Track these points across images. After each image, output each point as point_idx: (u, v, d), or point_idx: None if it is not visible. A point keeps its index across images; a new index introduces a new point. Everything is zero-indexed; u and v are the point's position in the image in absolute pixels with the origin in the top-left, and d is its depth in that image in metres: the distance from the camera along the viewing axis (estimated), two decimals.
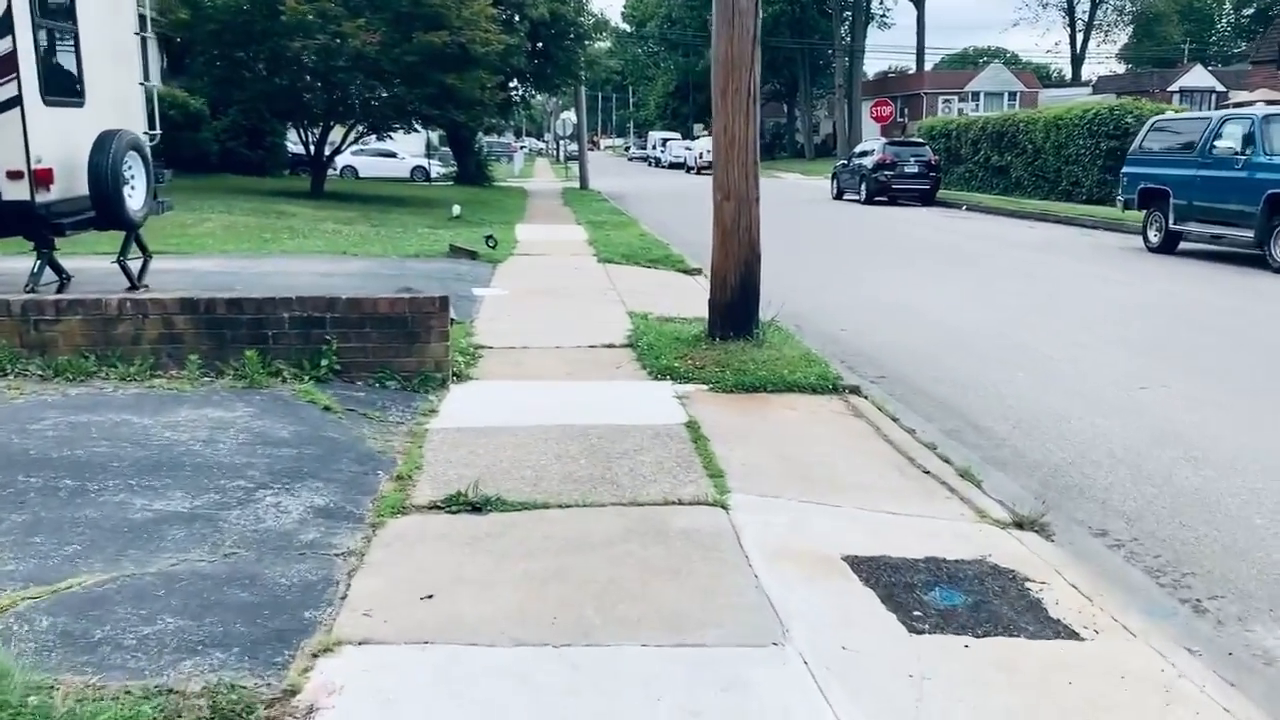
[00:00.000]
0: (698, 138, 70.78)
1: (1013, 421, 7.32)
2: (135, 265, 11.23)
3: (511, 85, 32.90)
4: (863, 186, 32.63)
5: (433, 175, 43.88)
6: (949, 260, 17.74)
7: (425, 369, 7.28)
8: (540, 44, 32.98)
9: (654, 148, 75.88)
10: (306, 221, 19.90)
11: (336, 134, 27.11)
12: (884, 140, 34.38)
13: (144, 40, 10.81)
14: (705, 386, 7.47)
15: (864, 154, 33.91)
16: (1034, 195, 31.46)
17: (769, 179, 51.95)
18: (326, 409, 6.28)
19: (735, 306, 8.26)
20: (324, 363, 7.13)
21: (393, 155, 45.86)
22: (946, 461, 6.12)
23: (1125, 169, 19.04)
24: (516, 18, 30.73)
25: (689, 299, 12.28)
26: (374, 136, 28.04)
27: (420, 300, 7.27)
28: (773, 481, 5.34)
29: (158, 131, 11.07)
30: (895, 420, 7.00)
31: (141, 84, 10.50)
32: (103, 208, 9.44)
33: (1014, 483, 5.97)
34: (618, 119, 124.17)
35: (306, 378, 7.03)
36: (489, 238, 16.31)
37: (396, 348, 7.26)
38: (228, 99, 24.91)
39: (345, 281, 12.14)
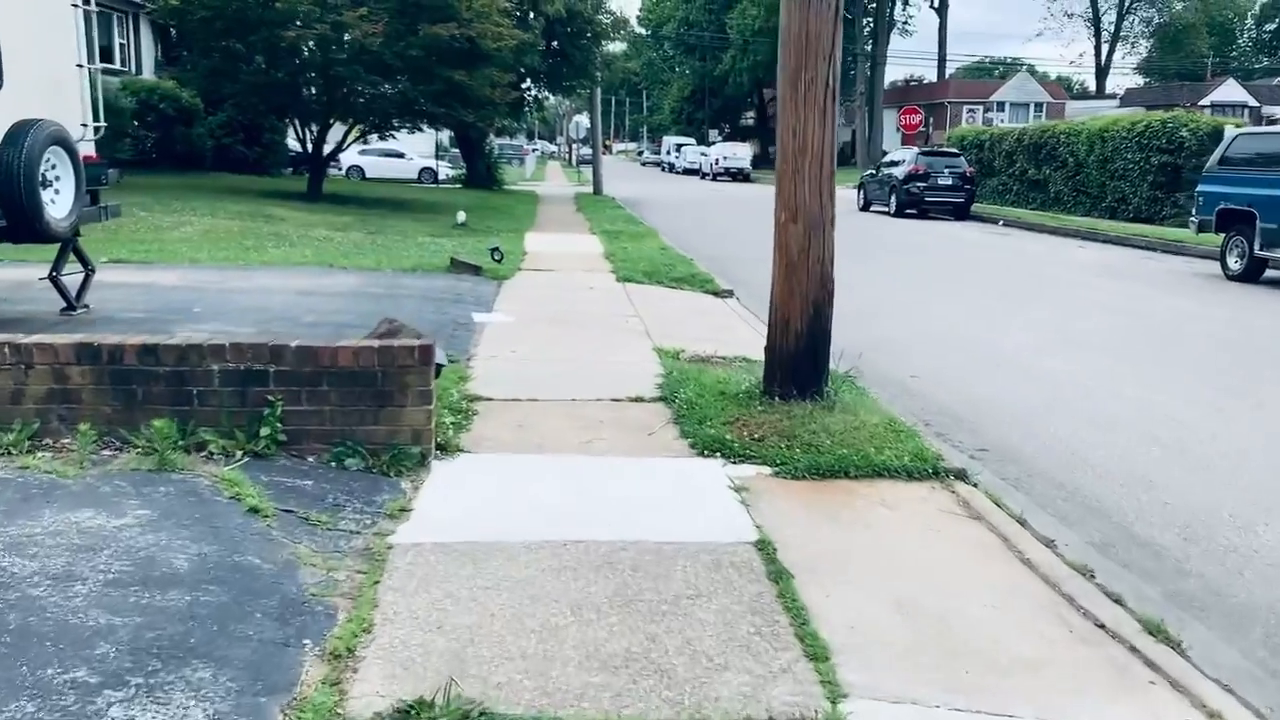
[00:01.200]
0: (713, 143, 69.08)
1: (1178, 528, 5.53)
2: (76, 280, 9.50)
3: (524, 85, 31.17)
4: (892, 198, 30.82)
5: (441, 177, 42.21)
6: (1007, 284, 15.94)
7: (399, 440, 5.51)
8: (555, 42, 31.29)
9: (668, 153, 74.11)
10: (297, 227, 18.18)
11: (338, 132, 25.42)
12: (916, 150, 32.58)
13: (87, 14, 9.07)
14: (769, 469, 5.69)
15: (894, 164, 32.12)
16: (1074, 211, 29.63)
17: None
18: (254, 510, 4.50)
19: (801, 358, 6.49)
20: (265, 431, 5.37)
21: (400, 156, 44.26)
22: (1118, 603, 4.34)
23: (1201, 187, 17.19)
24: (531, 14, 29.06)
25: (727, 332, 10.51)
26: (376, 136, 26.27)
27: (394, 350, 5.49)
28: (902, 663, 3.56)
29: (102, 124, 9.32)
30: (1023, 524, 5.22)
31: (80, 66, 8.75)
32: (14, 215, 7.69)
33: (1228, 645, 4.17)
34: (631, 123, 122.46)
35: (241, 452, 5.28)
36: (494, 250, 14.57)
37: (362, 411, 5.49)
38: (219, 92, 23.19)
39: (325, 303, 10.39)
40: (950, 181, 30.21)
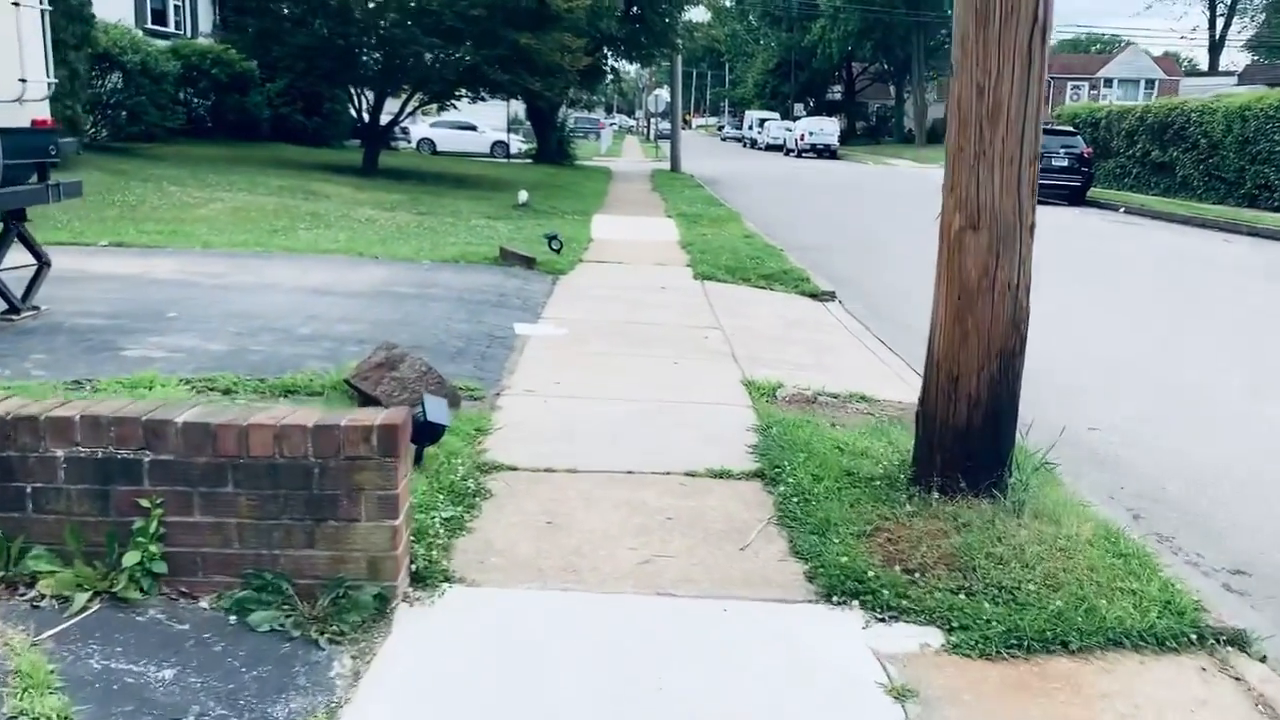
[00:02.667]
0: (798, 118, 66.19)
1: None
2: (20, 277, 7.64)
3: (599, 52, 28.98)
4: None
5: (514, 151, 40.32)
6: (1159, 286, 13.42)
7: (348, 574, 3.46)
8: (634, 6, 29.01)
9: (750, 128, 71.42)
10: (340, 206, 16.32)
11: (400, 102, 23.58)
12: None
13: None
14: (940, 637, 3.52)
15: None
16: (1206, 198, 26.58)
17: (879, 166, 47.42)
18: None
19: (977, 435, 4.29)
20: (131, 559, 3.36)
21: (473, 129, 42.61)
22: None
23: None
24: None
25: (835, 354, 8.31)
26: (436, 107, 24.37)
27: (339, 433, 3.41)
28: None
29: (51, 80, 7.39)
30: None
31: (17, 4, 6.83)
32: None
33: None
34: (712, 97, 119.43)
35: (91, 593, 3.28)
36: (552, 238, 12.50)
37: (289, 528, 3.45)
38: (268, 56, 21.45)
39: (336, 307, 8.43)
40: (1065, 163, 27.34)
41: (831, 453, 5.07)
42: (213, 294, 8.71)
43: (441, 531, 4.06)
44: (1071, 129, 29.58)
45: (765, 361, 7.74)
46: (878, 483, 4.60)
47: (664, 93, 62.28)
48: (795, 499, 4.52)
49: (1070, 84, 59.20)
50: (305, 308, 8.31)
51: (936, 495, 4.35)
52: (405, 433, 3.47)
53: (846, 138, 61.20)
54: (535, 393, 6.40)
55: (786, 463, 4.96)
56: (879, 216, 21.66)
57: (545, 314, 9.02)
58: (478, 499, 4.49)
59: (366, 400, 5.62)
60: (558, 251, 12.42)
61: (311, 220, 14.43)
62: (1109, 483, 5.68)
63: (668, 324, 8.88)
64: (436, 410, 4.57)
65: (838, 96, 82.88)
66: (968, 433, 4.31)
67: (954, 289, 4.25)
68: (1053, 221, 22.20)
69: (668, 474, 4.99)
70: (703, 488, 4.82)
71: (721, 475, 4.98)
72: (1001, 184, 4.08)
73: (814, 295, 11.25)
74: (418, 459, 4.63)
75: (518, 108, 40.88)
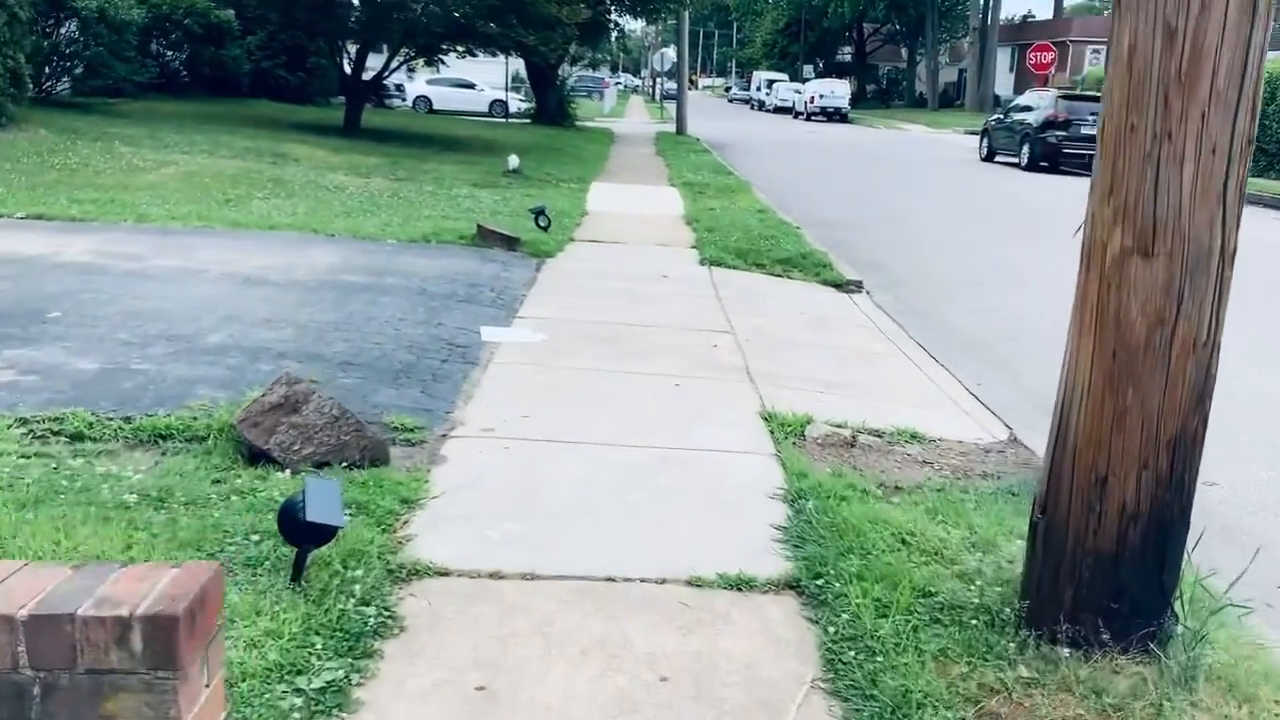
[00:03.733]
0: (807, 80, 64.16)
1: None
2: None
3: (601, 6, 27.20)
4: (1024, 148, 26.35)
5: (513, 111, 38.54)
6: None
7: None
8: None
9: (758, 89, 69.38)
10: (309, 170, 14.76)
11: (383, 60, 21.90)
12: (1054, 92, 27.94)
13: None
14: None
15: (1025, 109, 27.54)
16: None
17: (891, 131, 45.53)
18: None
19: (1132, 565, 2.84)
20: None
21: (471, 87, 40.92)
22: None
23: None
24: None
25: (871, 366, 6.84)
26: (421, 61, 22.68)
27: (83, 626, 1.92)
28: None
29: None
30: None
31: None
32: None
33: None
34: (719, 57, 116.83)
35: None
36: (539, 213, 10.96)
37: None
38: (240, 4, 19.77)
39: (265, 304, 6.97)
40: (1095, 131, 25.62)
41: (894, 553, 3.60)
42: (120, 284, 7.21)
43: None
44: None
45: (787, 379, 6.26)
46: (972, 619, 3.12)
47: (670, 51, 60.29)
48: (851, 646, 3.06)
49: (1090, 48, 57.09)
50: (226, 304, 6.81)
51: (1066, 651, 2.88)
52: (197, 624, 1.99)
53: (856, 101, 59.21)
54: (494, 432, 4.92)
55: (832, 569, 3.50)
56: (899, 187, 20.08)
57: (522, 312, 7.51)
58: (379, 640, 3.02)
59: (256, 455, 4.15)
60: (545, 229, 10.90)
61: (273, 188, 12.89)
62: (1259, 576, 4.20)
63: (669, 325, 7.38)
64: (323, 503, 3.09)
65: (848, 58, 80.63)
66: (1118, 559, 2.84)
67: (1106, 342, 2.76)
68: (1074, 190, 20.47)
69: (663, 582, 3.52)
70: (714, 611, 3.34)
71: (740, 585, 3.51)
72: (1195, 186, 2.58)
73: (838, 285, 9.74)
74: (296, 573, 3.16)
75: (518, 65, 39.10)
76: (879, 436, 5.33)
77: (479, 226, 10.12)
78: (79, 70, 18.35)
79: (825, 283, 9.77)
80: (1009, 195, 19.82)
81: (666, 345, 6.82)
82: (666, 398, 5.68)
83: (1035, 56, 34.27)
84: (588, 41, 32.67)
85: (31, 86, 18.17)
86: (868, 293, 9.72)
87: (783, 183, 19.51)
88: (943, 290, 10.15)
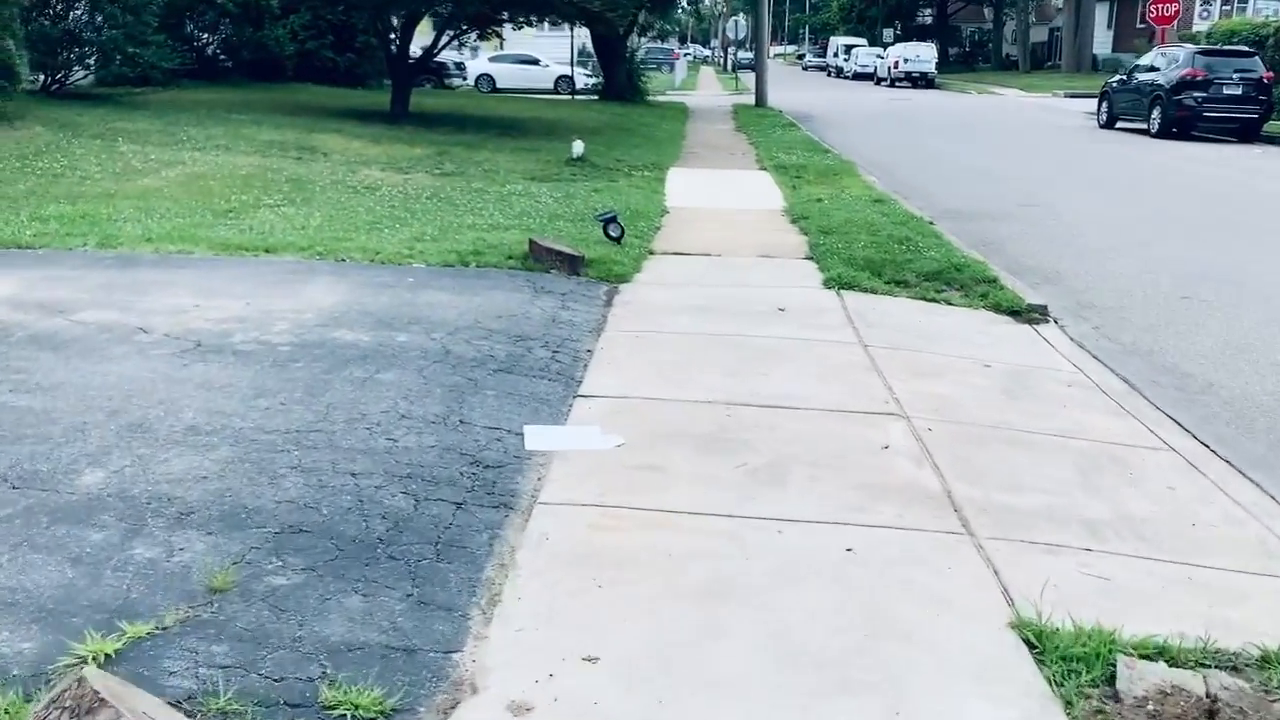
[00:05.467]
0: (888, 44, 60.56)
1: None
2: None
3: None
4: (1154, 111, 23.20)
5: (580, 86, 36.13)
6: None
7: None
8: None
9: (835, 55, 66.07)
10: (338, 167, 12.56)
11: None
12: (1190, 48, 24.64)
13: None
14: None
15: (1152, 68, 24.32)
16: None
17: (984, 96, 41.96)
18: None
19: None
20: None
21: (535, 63, 38.76)
22: None
23: None
24: None
25: (1127, 473, 4.27)
26: (474, 35, 20.35)
27: None
28: None
29: None
30: None
31: None
32: None
33: None
34: (791, 23, 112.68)
35: None
36: (609, 221, 8.56)
37: None
38: None
39: (207, 395, 4.70)
40: (1240, 90, 22.43)
41: None
42: (6, 361, 4.99)
43: None
44: (1248, 49, 24.45)
45: (1020, 519, 3.82)
46: None
47: (743, 19, 57.21)
48: None
49: (1199, 1, 52.63)
50: (144, 396, 4.54)
51: None
52: None
53: (940, 65, 55.53)
54: (532, 713, 2.56)
55: None
56: (1022, 163, 17.27)
57: (588, 385, 5.12)
58: None
59: None
60: (617, 240, 8.50)
61: (289, 190, 10.69)
62: None
63: (804, 404, 4.93)
64: None
65: (928, 20, 76.52)
66: None
67: None
68: (1250, 164, 17.43)
69: None
70: None
71: None
72: None
73: (1015, 312, 7.18)
74: None
75: (584, 39, 36.69)
76: (1241, 675, 2.87)
77: (531, 243, 7.74)
78: (90, 57, 16.34)
79: (997, 309, 7.23)
80: (1157, 169, 16.86)
81: (809, 449, 4.39)
82: (833, 590, 3.26)
83: (1157, 9, 30.73)
84: (657, 10, 30.05)
85: (40, 77, 16.31)
86: (1055, 321, 7.16)
87: (886, 160, 16.83)
88: (1151, 312, 7.55)
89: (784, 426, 4.64)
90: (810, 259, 8.48)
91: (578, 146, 14.19)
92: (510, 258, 7.76)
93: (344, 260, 7.54)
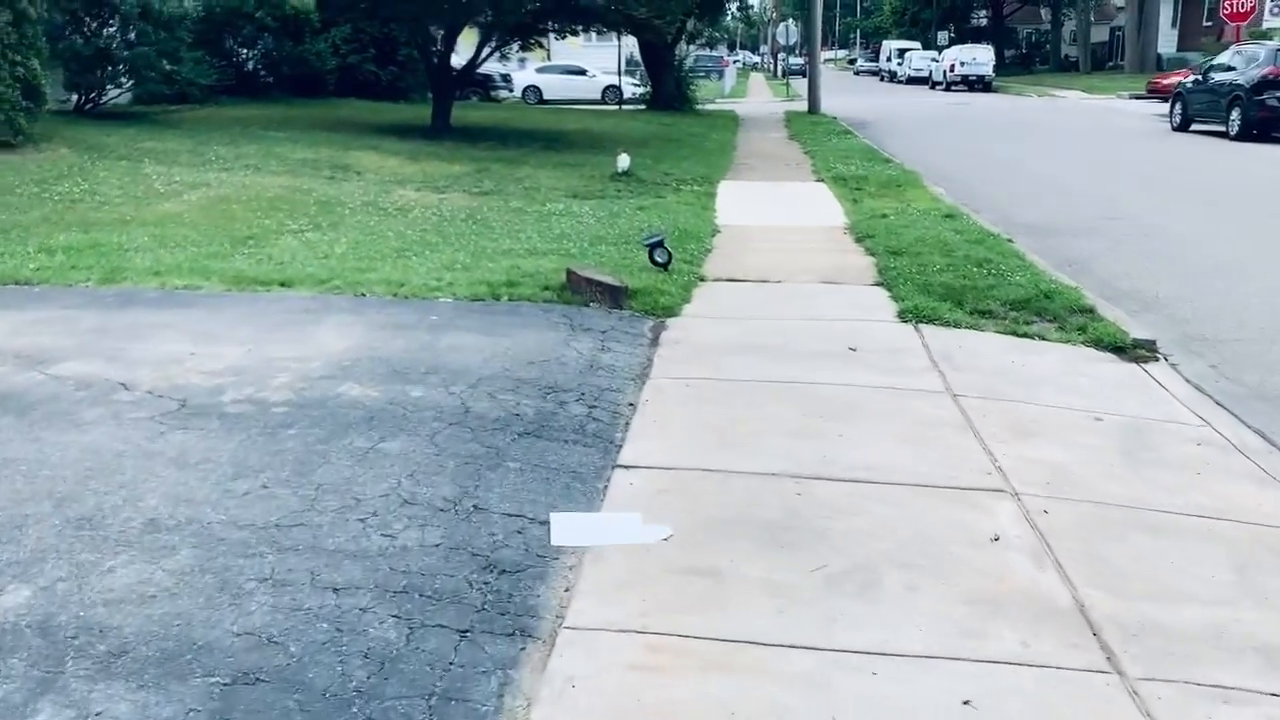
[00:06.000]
0: (942, 48, 59.20)
1: None
2: None
3: None
4: (1234, 113, 21.93)
5: (627, 96, 35.46)
6: None
7: None
8: None
9: (888, 59, 64.91)
10: (370, 186, 11.93)
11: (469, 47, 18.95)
12: (1272, 45, 23.33)
13: None
14: None
15: (1228, 67, 23.05)
16: None
17: (1045, 99, 40.56)
18: None
19: None
20: None
21: (582, 73, 38.27)
22: None
23: None
24: None
25: None
26: (518, 46, 19.73)
27: None
28: None
29: None
30: None
31: None
32: None
33: None
34: (841, 28, 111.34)
35: None
36: (655, 245, 7.78)
37: None
38: None
39: (180, 472, 3.96)
40: None
41: None
42: None
43: None
44: None
45: (1174, 643, 3.03)
46: None
47: (793, 24, 56.24)
48: None
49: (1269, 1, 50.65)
50: (104, 478, 3.84)
51: None
52: None
53: (996, 68, 54.11)
54: None
55: None
56: (1096, 171, 16.23)
57: (628, 453, 4.33)
58: None
59: None
60: (665, 266, 7.72)
61: (317, 213, 10.05)
62: None
63: (891, 480, 4.10)
64: None
65: (984, 22, 74.88)
66: None
67: None
68: None
69: None
70: None
71: None
72: None
73: (1118, 348, 6.28)
74: None
75: (632, 48, 36.05)
76: None
77: (569, 273, 6.99)
78: (120, 75, 15.91)
79: (1098, 344, 6.33)
80: (1244, 175, 15.72)
81: (901, 544, 3.57)
82: None
83: (1232, 4, 29.37)
84: (705, 16, 29.28)
85: (73, 97, 15.93)
86: (1165, 357, 6.26)
87: (950, 170, 15.89)
88: (1276, 346, 6.60)
89: (868, 510, 3.83)
90: (880, 284, 7.63)
91: (623, 160, 13.44)
92: (546, 288, 7.01)
93: (364, 295, 6.83)
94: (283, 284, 7.13)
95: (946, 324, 6.56)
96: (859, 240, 9.48)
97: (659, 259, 7.74)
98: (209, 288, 6.99)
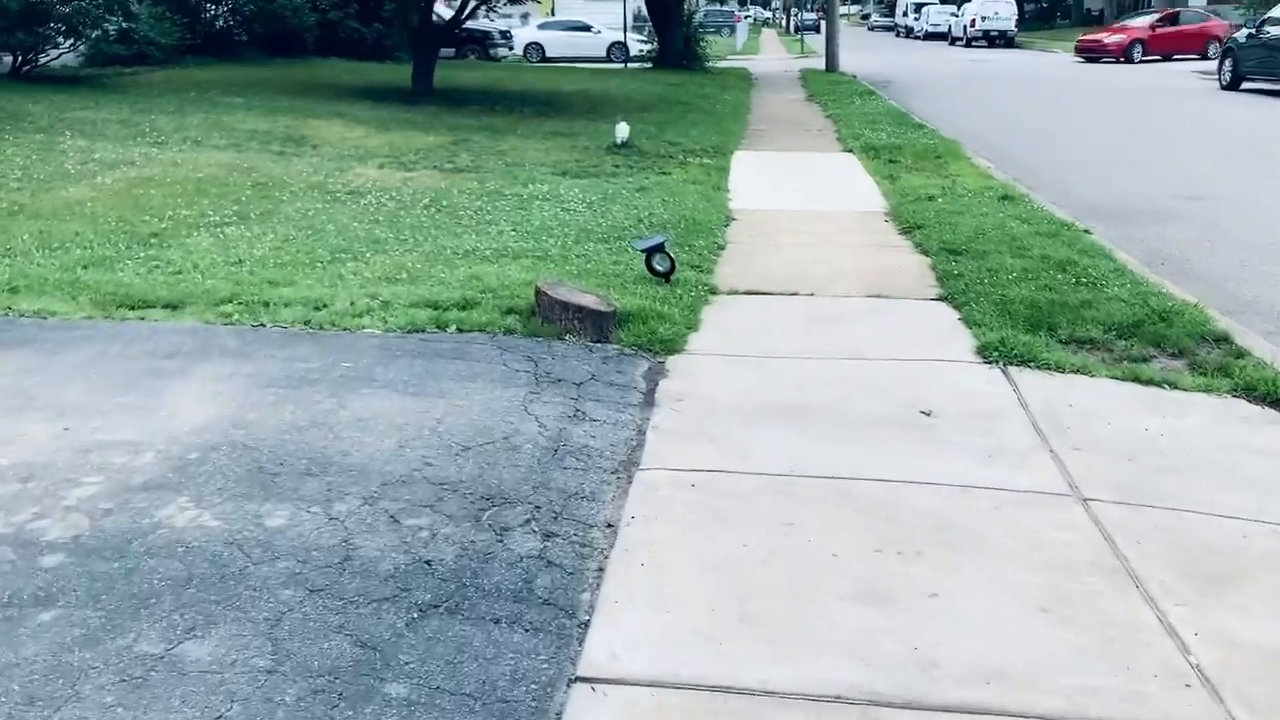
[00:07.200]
0: (963, 1, 56.76)
1: None
2: None
3: None
4: None
5: (634, 53, 33.50)
6: None
7: None
8: None
9: (904, 14, 62.45)
10: (325, 162, 10.22)
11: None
12: None
13: None
14: None
15: None
16: None
17: (1069, 54, 38.38)
18: None
19: None
20: None
21: (587, 29, 36.46)
22: None
23: None
24: None
25: None
26: (504, 2, 17.87)
27: None
28: None
29: None
30: None
31: None
32: None
33: None
34: None
35: None
36: (654, 250, 6.06)
37: None
38: None
39: None
40: None
41: None
42: None
43: None
44: None
45: None
46: None
47: None
48: None
49: None
50: None
51: None
52: None
53: (1017, 22, 51.78)
54: None
55: None
56: (1152, 136, 14.43)
57: (596, 640, 2.65)
58: None
59: None
60: (666, 277, 6.01)
61: (249, 200, 8.35)
62: None
63: (1030, 714, 2.44)
64: None
65: None
66: None
67: None
68: None
69: None
70: None
71: None
72: None
73: (1276, 400, 4.58)
74: None
75: (639, 2, 34.08)
76: None
77: (539, 293, 5.28)
78: (60, 35, 14.17)
79: (1251, 393, 4.62)
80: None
81: None
82: None
83: None
84: None
85: (4, 58, 14.21)
86: None
87: (990, 137, 14.11)
88: None
89: None
90: (944, 299, 5.92)
91: (621, 130, 11.66)
92: (509, 312, 5.33)
93: (264, 325, 5.15)
94: (169, 305, 5.47)
95: (1043, 365, 4.85)
96: (905, 232, 7.75)
97: (659, 267, 6.03)
98: (66, 313, 5.33)
